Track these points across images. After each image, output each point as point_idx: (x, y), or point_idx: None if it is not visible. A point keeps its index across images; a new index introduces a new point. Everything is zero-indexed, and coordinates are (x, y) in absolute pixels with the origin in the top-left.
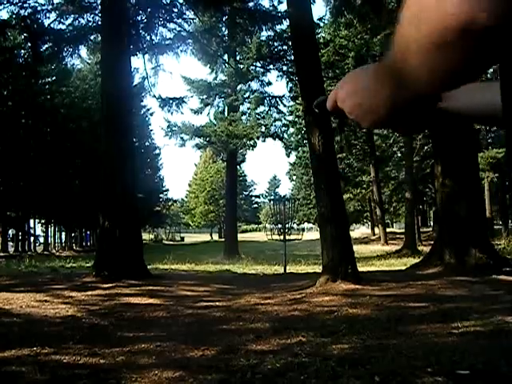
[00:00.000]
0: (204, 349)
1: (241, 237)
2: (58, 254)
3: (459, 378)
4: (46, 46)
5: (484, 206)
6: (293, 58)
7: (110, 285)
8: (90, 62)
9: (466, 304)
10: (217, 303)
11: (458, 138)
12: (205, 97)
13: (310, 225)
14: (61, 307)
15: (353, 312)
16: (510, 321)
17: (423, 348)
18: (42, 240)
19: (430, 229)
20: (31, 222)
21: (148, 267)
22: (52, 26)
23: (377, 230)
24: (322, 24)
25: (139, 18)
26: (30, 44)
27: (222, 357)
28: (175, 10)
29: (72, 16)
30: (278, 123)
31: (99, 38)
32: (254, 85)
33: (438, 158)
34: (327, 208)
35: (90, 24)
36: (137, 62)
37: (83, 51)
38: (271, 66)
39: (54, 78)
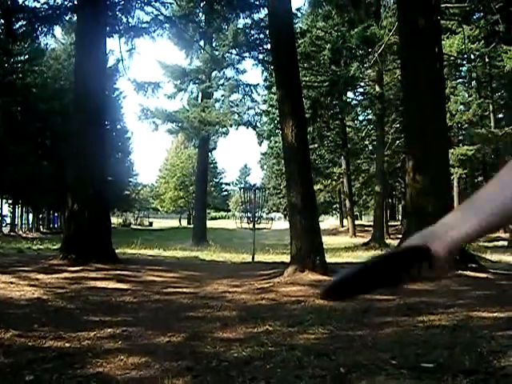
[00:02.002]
0: (170, 335)
1: (210, 224)
2: (24, 235)
3: (423, 371)
4: (20, 23)
5: (453, 202)
6: (269, 46)
7: (77, 268)
8: (64, 41)
9: (431, 298)
10: (184, 290)
11: (429, 134)
12: (179, 82)
13: (279, 214)
14: (27, 289)
15: (320, 303)
16: (474, 316)
17: (388, 340)
18: (8, 221)
19: (398, 222)
20: None
21: (116, 251)
22: (27, 3)
23: (345, 222)
24: (299, 14)
25: (116, 0)
26: (3, 21)
27: (189, 343)
28: None
29: None
30: (252, 112)
31: (75, 18)
32: (229, 72)
33: (409, 153)
34: (297, 198)
35: (66, 3)
36: (111, 43)
37: (58, 31)
38: (247, 54)
39: (26, 56)
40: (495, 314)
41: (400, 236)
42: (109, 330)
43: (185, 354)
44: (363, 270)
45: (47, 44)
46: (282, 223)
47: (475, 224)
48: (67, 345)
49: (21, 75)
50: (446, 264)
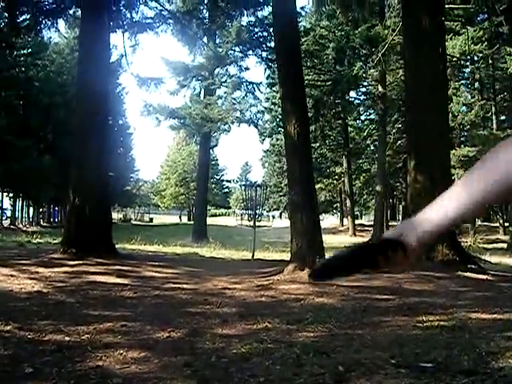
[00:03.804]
0: (170, 330)
1: (210, 221)
2: (24, 228)
3: (422, 371)
4: (24, 17)
5: None
6: (273, 44)
7: (77, 262)
8: (67, 36)
9: (431, 299)
10: (184, 285)
11: (431, 134)
12: (181, 78)
13: (280, 212)
14: (27, 283)
15: (319, 301)
16: (473, 317)
17: (388, 340)
18: (8, 214)
19: (399, 223)
20: None
21: (116, 247)
22: None
23: (346, 221)
24: (303, 13)
25: None
26: (7, 14)
27: (188, 339)
28: None
29: None
30: (254, 109)
31: (78, 13)
32: (232, 69)
33: (411, 154)
34: (299, 196)
35: None
36: (115, 38)
37: (61, 25)
38: (250, 52)
39: (29, 50)
40: (494, 316)
41: None
42: (108, 324)
43: (184, 349)
44: (344, 255)
45: (50, 38)
46: (282, 221)
47: (443, 217)
48: (67, 338)
49: (23, 69)
50: (419, 253)
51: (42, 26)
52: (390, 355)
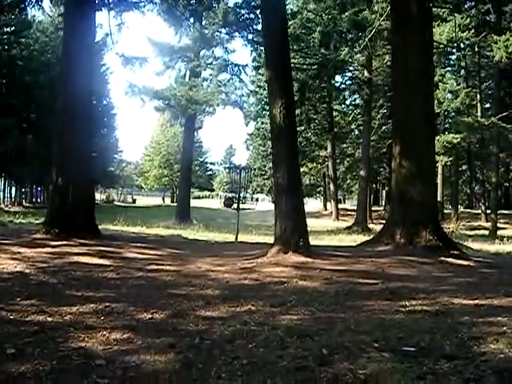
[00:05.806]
0: (153, 312)
1: (193, 203)
2: (6, 208)
3: (405, 355)
4: None
5: (437, 189)
6: (259, 27)
7: (60, 243)
8: (51, 14)
9: (414, 283)
10: (167, 267)
11: (417, 120)
12: (167, 59)
13: (263, 195)
14: (8, 263)
15: (302, 284)
16: (455, 302)
17: (370, 324)
18: None
19: (382, 208)
20: None
21: (99, 227)
22: None
23: (329, 206)
24: None
25: None
26: None
27: (171, 321)
28: None
29: None
30: (239, 92)
31: None
32: (218, 51)
33: (396, 139)
34: (283, 179)
35: None
36: (100, 17)
37: (46, 2)
38: (236, 34)
39: (12, 28)
40: (476, 301)
41: (383, 221)
42: (91, 305)
43: (167, 331)
44: None
45: (34, 16)
46: (265, 204)
47: None
48: (49, 319)
49: (6, 47)
50: None
51: (26, 3)
52: (373, 339)
